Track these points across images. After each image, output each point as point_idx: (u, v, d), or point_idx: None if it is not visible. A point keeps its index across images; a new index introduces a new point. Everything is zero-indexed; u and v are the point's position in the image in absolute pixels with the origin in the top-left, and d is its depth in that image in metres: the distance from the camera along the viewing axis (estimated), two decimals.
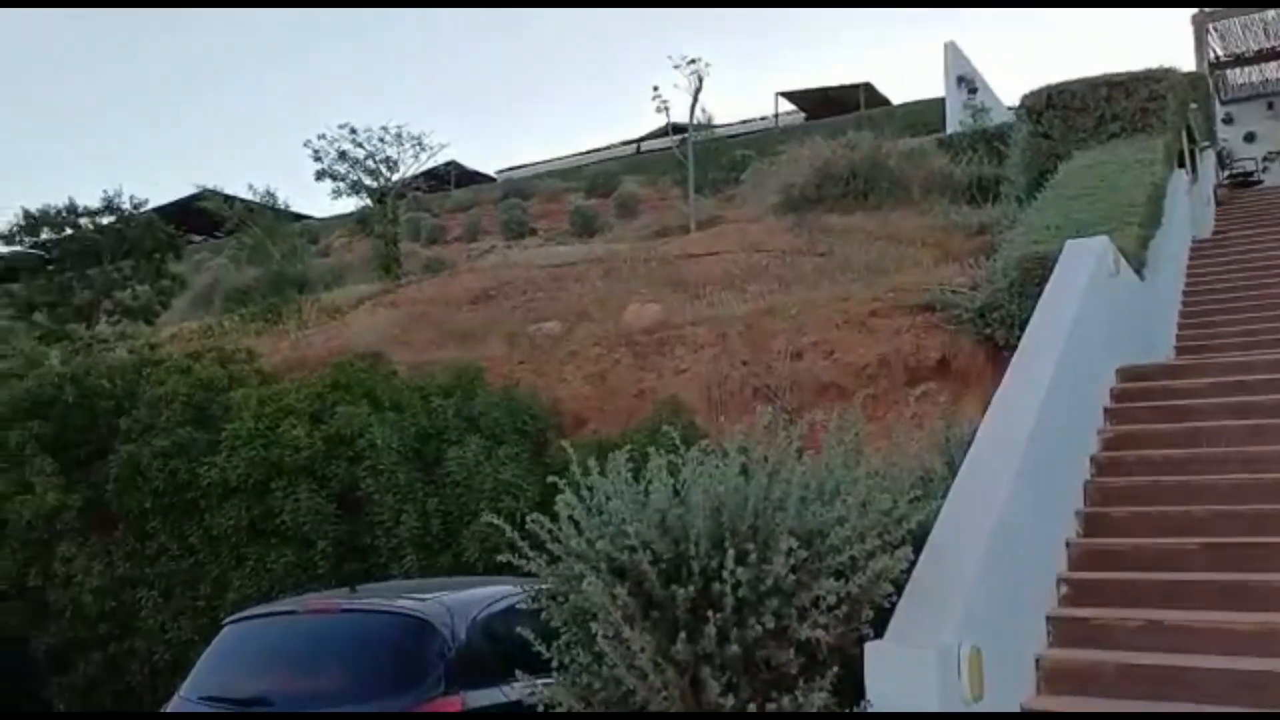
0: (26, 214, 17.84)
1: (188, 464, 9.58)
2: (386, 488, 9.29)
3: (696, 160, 22.59)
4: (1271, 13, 21.81)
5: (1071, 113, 14.14)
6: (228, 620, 6.08)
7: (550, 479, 5.11)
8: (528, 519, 4.92)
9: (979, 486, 5.13)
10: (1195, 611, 5.30)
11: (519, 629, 4.76)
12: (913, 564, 4.52)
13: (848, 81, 35.09)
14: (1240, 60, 24.46)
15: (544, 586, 4.91)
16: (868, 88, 35.06)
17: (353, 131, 21.11)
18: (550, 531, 4.76)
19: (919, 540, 4.64)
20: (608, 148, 40.22)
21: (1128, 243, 9.01)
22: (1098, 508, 6.47)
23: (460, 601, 5.58)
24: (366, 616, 5.70)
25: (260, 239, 20.91)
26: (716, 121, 30.94)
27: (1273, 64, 24.68)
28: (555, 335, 12.98)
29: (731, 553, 4.22)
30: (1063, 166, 12.74)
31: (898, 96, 34.69)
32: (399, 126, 21.71)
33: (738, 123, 37.85)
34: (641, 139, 38.41)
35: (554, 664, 4.61)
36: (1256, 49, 23.88)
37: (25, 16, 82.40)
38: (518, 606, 5.29)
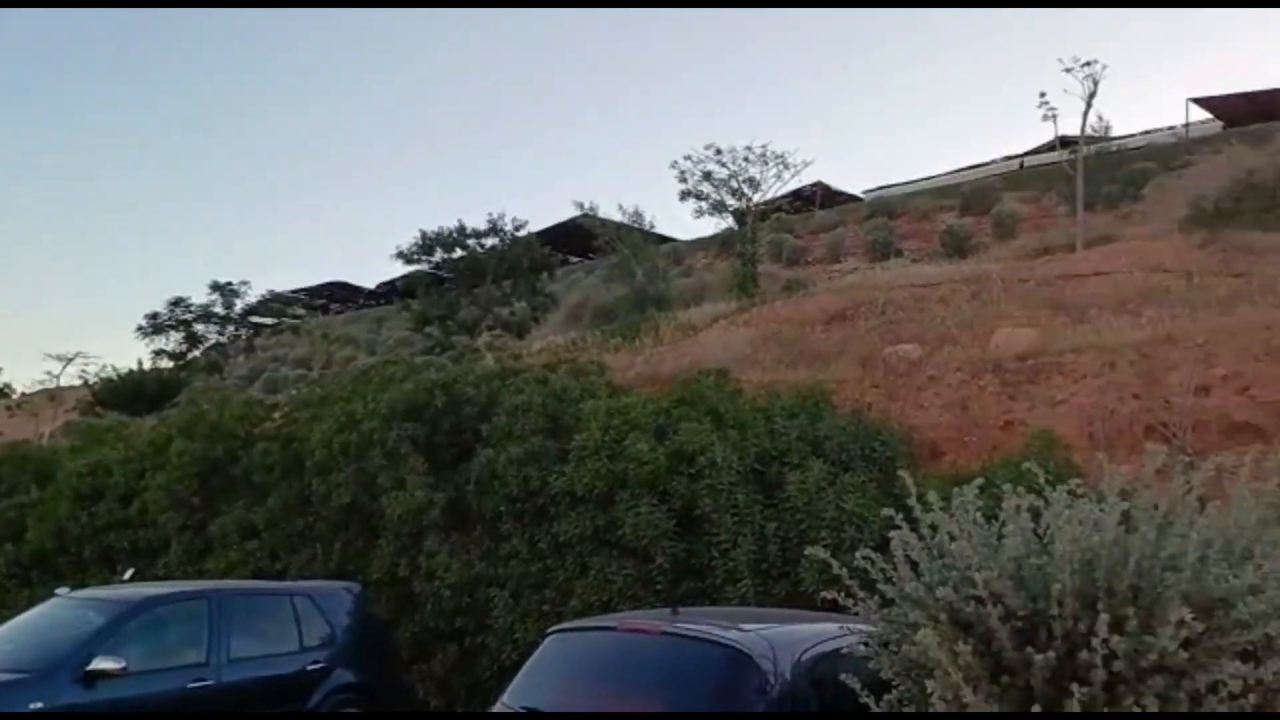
0: (424, 235, 19.82)
1: (540, 471, 9.82)
2: (725, 507, 9.01)
3: (1089, 174, 20.62)
4: None
5: None
6: (551, 630, 6.06)
7: (885, 512, 4.57)
8: (858, 555, 4.45)
9: None
10: None
11: (844, 675, 4.33)
12: None
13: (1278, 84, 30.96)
14: None
15: (874, 631, 4.50)
16: None
17: (718, 152, 21.47)
18: (883, 571, 4.26)
19: None
20: (988, 164, 38.26)
21: None
22: None
23: (784, 637, 5.22)
24: (686, 643, 5.39)
25: (625, 258, 21.78)
26: (1114, 132, 28.32)
27: None
28: (913, 359, 12.13)
29: (1105, 617, 3.59)
30: None
31: None
32: (763, 146, 21.80)
33: (1139, 134, 34.69)
34: (1026, 154, 36.14)
35: None
36: None
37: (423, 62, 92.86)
38: (846, 650, 4.80)
